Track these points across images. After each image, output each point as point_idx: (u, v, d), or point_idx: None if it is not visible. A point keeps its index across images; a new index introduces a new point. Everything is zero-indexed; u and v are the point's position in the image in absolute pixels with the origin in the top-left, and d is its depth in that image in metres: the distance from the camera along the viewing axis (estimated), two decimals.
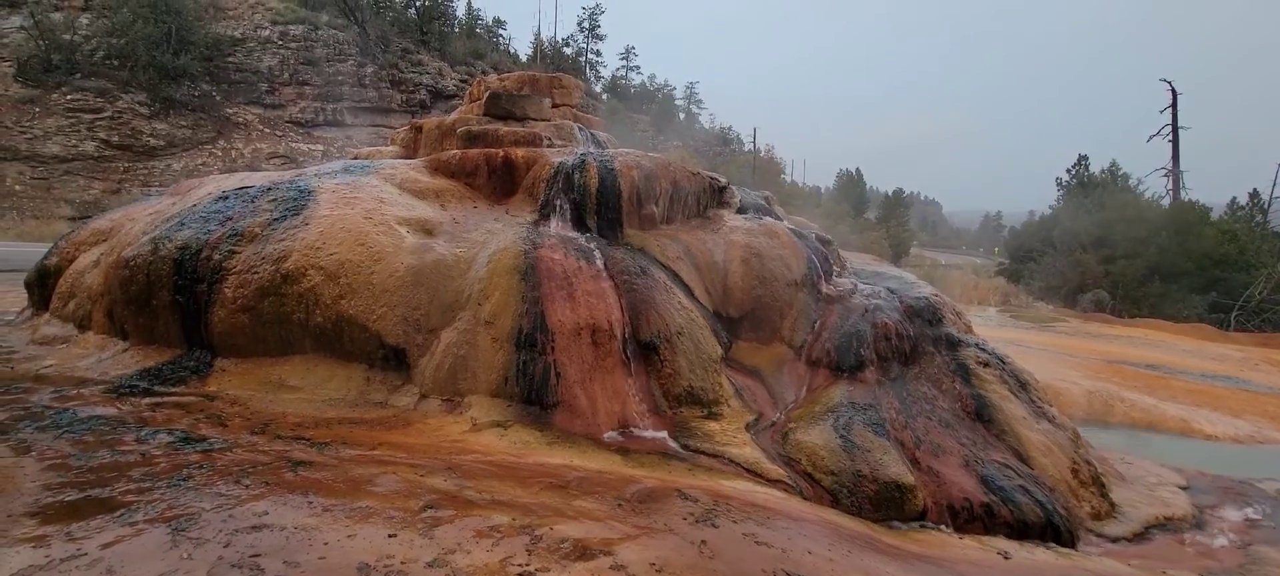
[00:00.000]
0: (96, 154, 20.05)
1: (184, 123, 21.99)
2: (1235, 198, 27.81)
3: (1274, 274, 20.40)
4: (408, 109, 26.45)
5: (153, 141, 21.12)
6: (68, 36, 20.82)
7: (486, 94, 8.14)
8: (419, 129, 8.34)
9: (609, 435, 4.29)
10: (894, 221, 39.25)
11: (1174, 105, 26.42)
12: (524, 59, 37.74)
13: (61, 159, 19.47)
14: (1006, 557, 3.60)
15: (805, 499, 3.96)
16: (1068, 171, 29.34)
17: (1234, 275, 20.86)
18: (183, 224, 5.03)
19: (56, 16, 21.28)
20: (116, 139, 20.48)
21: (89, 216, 8.61)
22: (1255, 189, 27.43)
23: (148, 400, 3.96)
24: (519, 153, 6.35)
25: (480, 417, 4.17)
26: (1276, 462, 6.67)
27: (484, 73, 26.08)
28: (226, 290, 4.62)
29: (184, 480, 2.66)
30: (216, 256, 4.73)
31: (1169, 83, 26.48)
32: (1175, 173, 26.58)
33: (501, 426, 4.10)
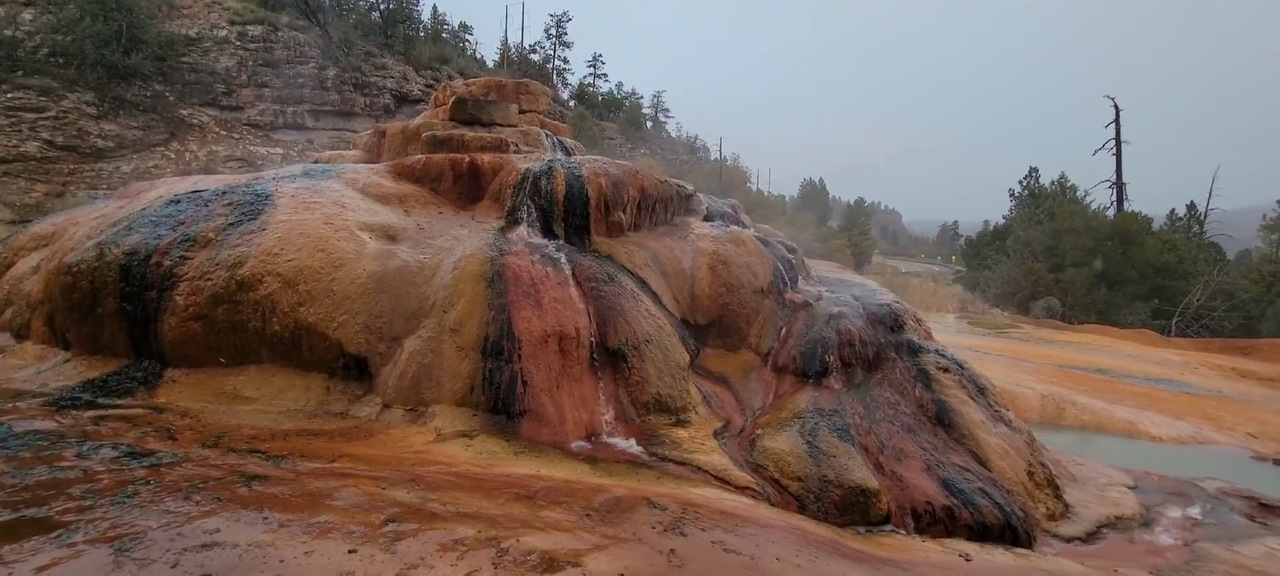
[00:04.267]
0: (39, 155, 19.08)
1: (134, 124, 21.10)
2: (1174, 209, 29.37)
3: (1211, 282, 21.58)
4: (371, 113, 25.90)
5: (101, 143, 20.21)
6: (9, 32, 19.80)
7: (453, 99, 8.04)
8: (383, 133, 8.18)
9: (577, 444, 4.25)
10: (856, 230, 40.18)
11: (1117, 120, 27.70)
12: (491, 65, 37.39)
13: (1, 160, 18.50)
14: (968, 559, 3.69)
15: (773, 505, 3.99)
16: (1020, 183, 30.47)
17: (1174, 283, 21.98)
18: (131, 228, 4.82)
19: None
20: (61, 140, 19.53)
21: (30, 220, 8.19)
22: (1192, 201, 28.99)
23: (91, 413, 3.76)
24: (485, 158, 6.28)
25: (445, 427, 4.09)
26: (1216, 462, 7.01)
27: (450, 78, 25.74)
28: (178, 298, 4.44)
29: (129, 497, 2.53)
30: (167, 262, 4.54)
31: (1112, 99, 27.78)
32: (1119, 184, 27.84)
33: (467, 436, 4.03)
